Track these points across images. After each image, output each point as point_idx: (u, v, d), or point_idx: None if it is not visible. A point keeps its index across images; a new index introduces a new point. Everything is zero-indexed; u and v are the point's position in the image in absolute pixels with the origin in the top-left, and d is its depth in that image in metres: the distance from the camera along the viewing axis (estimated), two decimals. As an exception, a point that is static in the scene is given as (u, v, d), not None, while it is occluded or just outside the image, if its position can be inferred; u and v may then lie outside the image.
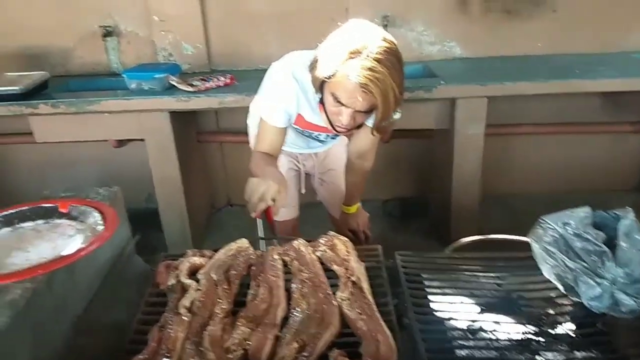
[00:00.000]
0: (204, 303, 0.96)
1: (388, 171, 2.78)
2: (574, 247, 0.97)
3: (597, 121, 2.72)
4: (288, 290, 1.00)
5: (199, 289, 0.98)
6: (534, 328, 0.94)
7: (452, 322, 0.94)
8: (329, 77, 1.26)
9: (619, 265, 0.92)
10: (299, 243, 1.10)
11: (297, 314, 0.93)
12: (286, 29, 2.58)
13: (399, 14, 2.54)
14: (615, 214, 1.01)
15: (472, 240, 1.17)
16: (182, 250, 2.41)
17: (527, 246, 1.08)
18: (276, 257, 1.08)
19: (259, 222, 1.28)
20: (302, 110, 1.49)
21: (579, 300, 0.97)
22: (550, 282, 1.02)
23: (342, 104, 1.28)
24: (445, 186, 2.39)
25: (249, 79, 2.33)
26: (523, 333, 0.93)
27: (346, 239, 1.10)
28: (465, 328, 0.92)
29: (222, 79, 2.33)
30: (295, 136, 1.65)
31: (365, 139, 1.60)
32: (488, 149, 2.30)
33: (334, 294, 0.97)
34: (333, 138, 1.71)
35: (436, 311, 0.95)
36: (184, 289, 1.00)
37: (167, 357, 0.84)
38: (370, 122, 1.40)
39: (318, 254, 1.08)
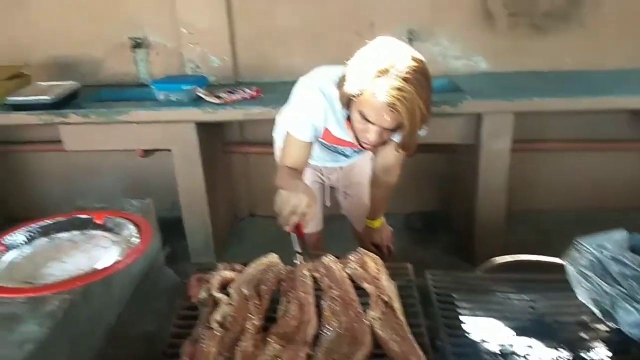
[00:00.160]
0: (235, 318, 0.96)
1: (410, 185, 2.76)
2: (611, 271, 0.95)
3: (625, 138, 2.68)
4: (318, 307, 1.00)
5: (230, 304, 0.99)
6: (568, 353, 0.92)
7: (485, 344, 0.92)
8: (357, 95, 1.27)
9: (658, 291, 0.90)
10: (329, 259, 1.10)
11: (328, 332, 0.92)
12: (311, 43, 2.61)
13: (425, 28, 2.55)
14: (653, 237, 0.99)
15: (505, 261, 1.16)
16: (205, 259, 2.43)
17: (560, 268, 1.06)
18: (306, 273, 1.08)
19: (293, 235, 1.28)
20: (329, 125, 1.50)
21: (615, 325, 0.94)
22: (586, 306, 1.00)
23: (370, 122, 1.29)
24: (470, 202, 2.37)
25: (274, 91, 2.36)
26: (557, 358, 0.91)
27: (376, 256, 1.10)
28: (499, 352, 0.91)
29: (248, 91, 2.36)
30: (321, 150, 1.66)
31: (391, 154, 1.60)
32: (513, 164, 2.28)
33: (364, 312, 0.97)
34: (358, 152, 1.71)
35: (469, 333, 0.94)
36: (215, 303, 1.01)
37: (201, 372, 0.85)
38: (397, 138, 1.40)
39: (348, 271, 1.08)
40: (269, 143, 1.88)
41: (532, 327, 0.98)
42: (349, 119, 1.38)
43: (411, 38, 2.50)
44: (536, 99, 2.18)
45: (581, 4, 2.50)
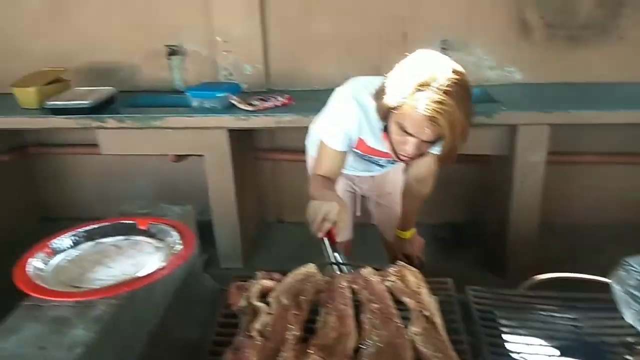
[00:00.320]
0: (274, 328, 0.96)
1: (439, 195, 2.74)
2: (661, 293, 0.92)
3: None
4: (357, 319, 0.99)
5: (270, 313, 0.99)
6: (615, 376, 0.90)
7: (529, 364, 0.90)
8: (397, 108, 1.27)
9: None
10: (368, 272, 1.10)
11: (369, 346, 0.92)
12: (344, 52, 2.61)
13: (459, 38, 2.53)
14: None
15: (548, 278, 1.13)
16: (233, 264, 2.44)
17: (603, 286, 1.04)
18: (344, 284, 1.07)
19: (327, 242, 1.28)
20: (363, 135, 1.49)
21: (666, 349, 0.91)
22: (632, 327, 0.97)
23: (409, 134, 1.28)
24: (502, 214, 2.33)
25: (305, 99, 2.37)
26: (604, 380, 0.89)
27: (416, 270, 1.09)
28: (543, 372, 0.89)
29: (280, 99, 2.38)
30: (355, 160, 1.66)
31: (426, 165, 1.59)
32: (548, 176, 2.24)
33: (405, 327, 0.96)
34: (392, 163, 1.71)
35: (512, 352, 0.92)
36: (255, 312, 1.01)
37: (243, 381, 0.85)
38: (436, 150, 1.39)
39: (387, 284, 1.07)
40: (299, 150, 1.89)
41: (576, 347, 0.95)
42: (385, 130, 1.38)
43: (445, 48, 2.48)
44: (572, 111, 2.14)
45: (620, 16, 2.45)
